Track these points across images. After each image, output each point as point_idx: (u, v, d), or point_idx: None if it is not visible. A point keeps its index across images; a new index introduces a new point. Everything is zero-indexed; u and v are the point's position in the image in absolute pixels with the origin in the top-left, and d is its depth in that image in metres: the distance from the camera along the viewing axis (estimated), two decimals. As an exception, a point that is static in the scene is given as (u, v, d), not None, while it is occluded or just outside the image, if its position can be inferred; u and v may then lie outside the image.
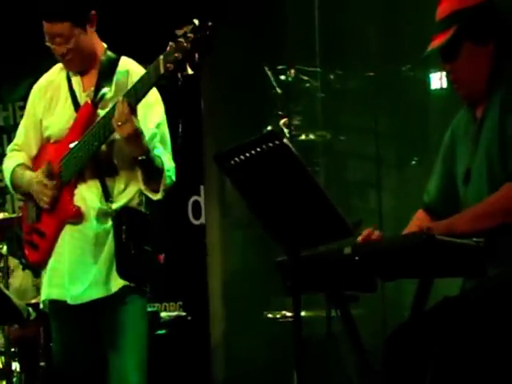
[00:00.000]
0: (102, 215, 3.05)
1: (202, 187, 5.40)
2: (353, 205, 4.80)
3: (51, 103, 3.16)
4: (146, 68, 2.91)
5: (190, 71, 2.75)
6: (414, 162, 4.71)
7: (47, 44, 3.05)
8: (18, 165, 3.22)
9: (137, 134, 2.88)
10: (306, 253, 2.40)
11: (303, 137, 5.20)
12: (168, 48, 2.77)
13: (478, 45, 2.56)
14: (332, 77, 5.10)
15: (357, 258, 2.34)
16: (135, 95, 2.87)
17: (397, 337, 2.57)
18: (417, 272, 2.36)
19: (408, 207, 2.73)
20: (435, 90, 4.65)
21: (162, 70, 2.79)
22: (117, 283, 3.02)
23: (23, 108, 3.51)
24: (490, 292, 2.43)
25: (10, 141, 3.72)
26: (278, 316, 5.21)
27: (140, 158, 2.93)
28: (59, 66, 3.19)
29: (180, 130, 4.99)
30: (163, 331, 4.77)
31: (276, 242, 2.37)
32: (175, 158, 3.13)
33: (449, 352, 2.28)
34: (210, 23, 2.73)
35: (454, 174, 2.68)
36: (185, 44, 2.73)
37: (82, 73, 3.14)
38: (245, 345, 5.14)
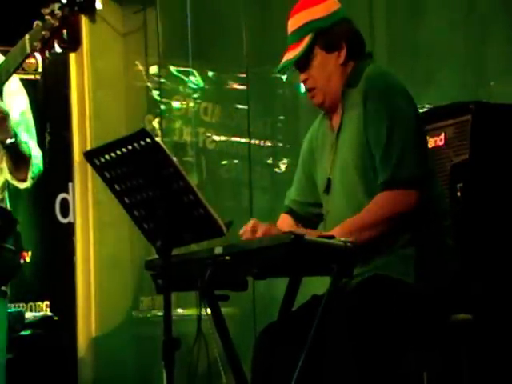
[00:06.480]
0: None
1: (70, 184, 5.29)
2: (225, 204, 4.82)
3: None
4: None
5: (58, 49, 2.70)
6: (284, 163, 4.78)
7: None
8: None
9: (3, 118, 2.79)
10: (177, 251, 2.39)
11: (176, 136, 5.18)
12: (34, 27, 2.71)
13: (330, 52, 2.63)
14: (205, 77, 5.11)
15: (228, 257, 2.35)
16: None
17: (266, 336, 2.60)
18: (286, 271, 2.40)
19: (279, 207, 2.78)
20: (305, 92, 4.72)
21: (28, 50, 2.71)
22: None
23: None
24: (352, 291, 2.49)
25: None
26: (147, 315, 5.18)
27: (8, 141, 2.83)
28: None
29: (48, 126, 4.88)
30: (28, 332, 4.65)
31: (148, 241, 2.35)
32: (43, 154, 3.06)
33: (315, 350, 2.32)
34: None
35: (315, 181, 2.73)
36: (52, 21, 2.67)
37: None
38: (114, 345, 5.08)
